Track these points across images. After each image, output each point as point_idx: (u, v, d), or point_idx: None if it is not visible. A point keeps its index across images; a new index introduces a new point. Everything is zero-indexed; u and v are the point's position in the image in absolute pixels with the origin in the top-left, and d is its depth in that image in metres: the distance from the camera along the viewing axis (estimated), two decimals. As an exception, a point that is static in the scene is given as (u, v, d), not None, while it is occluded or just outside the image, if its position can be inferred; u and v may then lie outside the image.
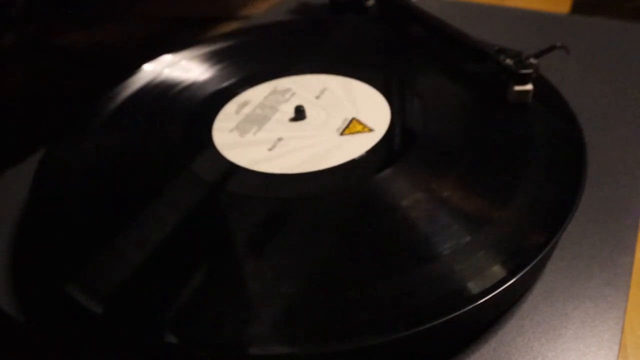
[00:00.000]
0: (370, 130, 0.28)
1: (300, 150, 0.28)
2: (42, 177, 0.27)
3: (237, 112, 0.31)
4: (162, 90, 0.34)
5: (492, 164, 0.25)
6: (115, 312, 0.20)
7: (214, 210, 0.25)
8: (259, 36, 0.40)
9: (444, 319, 0.18)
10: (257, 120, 0.31)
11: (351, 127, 0.29)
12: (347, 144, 0.28)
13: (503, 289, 0.19)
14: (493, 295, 0.19)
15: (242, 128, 0.30)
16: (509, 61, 0.30)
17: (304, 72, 0.35)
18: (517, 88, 0.29)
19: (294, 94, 0.33)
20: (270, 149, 0.28)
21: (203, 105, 0.32)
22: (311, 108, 0.31)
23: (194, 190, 0.25)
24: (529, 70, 0.29)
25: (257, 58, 0.37)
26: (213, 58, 0.37)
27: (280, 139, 0.29)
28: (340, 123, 0.29)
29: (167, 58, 0.37)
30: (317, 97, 0.32)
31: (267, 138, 0.29)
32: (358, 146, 0.27)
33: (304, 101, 0.32)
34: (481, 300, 0.19)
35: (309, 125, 0.30)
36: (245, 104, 0.32)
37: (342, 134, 0.28)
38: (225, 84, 0.34)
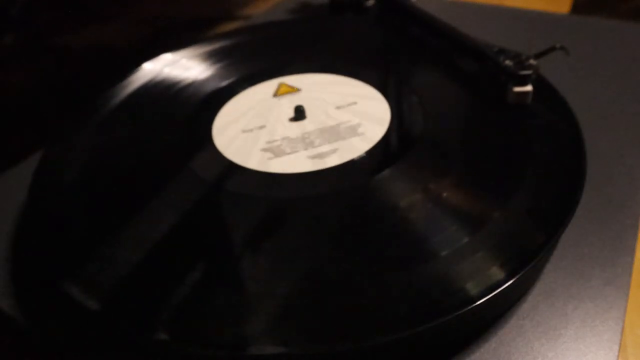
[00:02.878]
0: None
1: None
2: (41, 176, 0.27)
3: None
4: (162, 89, 0.34)
5: (491, 164, 0.25)
6: (113, 311, 0.20)
7: (214, 209, 0.25)
8: (259, 35, 0.40)
9: (444, 319, 0.18)
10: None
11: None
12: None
13: (503, 289, 0.19)
14: (493, 296, 0.19)
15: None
16: (508, 62, 0.30)
17: (304, 71, 0.35)
18: (517, 89, 0.29)
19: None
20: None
21: (203, 104, 0.32)
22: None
23: (193, 189, 0.25)
24: (529, 72, 0.29)
25: (256, 57, 0.37)
26: (213, 57, 0.37)
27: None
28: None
29: (167, 57, 0.37)
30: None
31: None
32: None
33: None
34: (481, 301, 0.19)
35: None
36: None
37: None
38: (225, 82, 0.34)
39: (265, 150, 0.28)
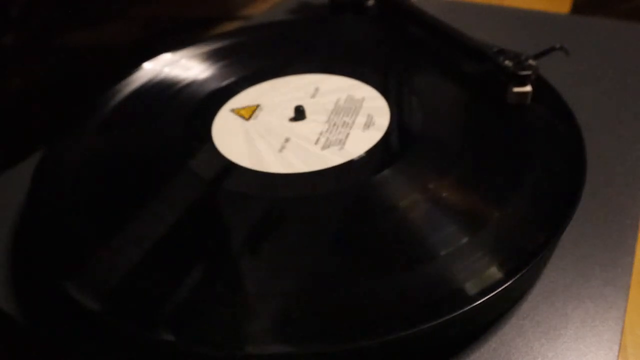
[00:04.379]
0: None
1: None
2: (41, 176, 0.27)
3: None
4: (162, 89, 0.34)
5: (491, 164, 0.25)
6: (113, 311, 0.20)
7: (214, 209, 0.25)
8: (259, 36, 0.40)
9: (444, 319, 0.18)
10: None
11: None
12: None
13: (502, 290, 0.19)
14: (492, 296, 0.19)
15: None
16: (508, 62, 0.30)
17: (304, 71, 0.35)
18: (516, 89, 0.29)
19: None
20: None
21: (203, 104, 0.32)
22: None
23: (193, 189, 0.25)
24: (528, 72, 0.29)
25: (256, 57, 0.37)
26: (213, 57, 0.37)
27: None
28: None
29: (167, 57, 0.37)
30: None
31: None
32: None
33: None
34: (481, 301, 0.19)
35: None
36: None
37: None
38: (225, 82, 0.34)
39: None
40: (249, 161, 0.27)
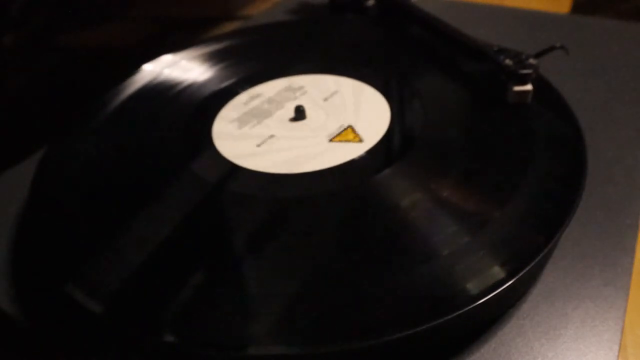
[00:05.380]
0: (361, 140, 0.28)
1: (286, 151, 0.28)
2: (42, 176, 0.27)
3: (246, 104, 0.32)
4: (162, 91, 0.34)
5: (491, 164, 0.25)
6: (114, 312, 0.20)
7: (214, 210, 0.25)
8: (259, 36, 0.40)
9: (444, 319, 0.18)
10: (258, 114, 0.31)
11: (343, 134, 0.29)
12: (333, 151, 0.27)
13: (503, 289, 0.19)
14: (493, 296, 0.19)
15: (243, 120, 0.30)
16: (508, 61, 0.30)
17: (304, 72, 0.35)
18: (517, 88, 0.29)
19: (304, 92, 0.33)
20: (258, 145, 0.28)
21: (203, 105, 0.32)
22: (310, 108, 0.31)
23: (193, 190, 0.25)
24: (529, 71, 0.29)
25: (256, 58, 0.37)
26: (213, 58, 0.37)
27: (271, 136, 0.29)
28: (335, 129, 0.29)
29: (167, 58, 0.37)
30: (310, 97, 0.32)
31: (260, 134, 0.29)
32: (343, 154, 0.27)
33: (302, 101, 0.32)
34: (481, 301, 0.19)
35: (305, 126, 0.30)
36: (255, 97, 0.32)
37: (331, 140, 0.28)
38: (225, 84, 0.34)
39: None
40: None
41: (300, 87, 0.33)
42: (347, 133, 0.29)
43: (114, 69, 0.38)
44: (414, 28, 0.39)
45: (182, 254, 0.22)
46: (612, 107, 0.33)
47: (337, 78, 0.34)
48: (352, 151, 0.27)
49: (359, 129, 0.29)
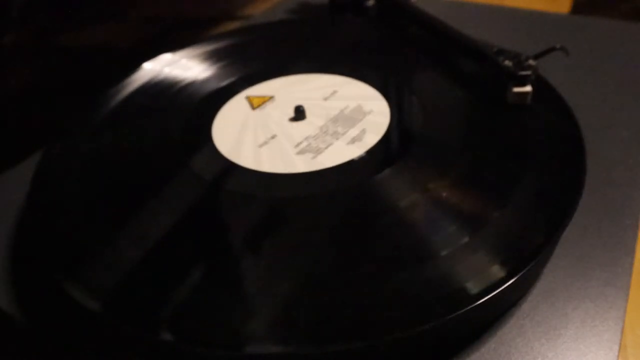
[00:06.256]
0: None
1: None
2: (41, 176, 0.27)
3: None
4: (162, 89, 0.34)
5: (491, 164, 0.25)
6: (113, 311, 0.20)
7: (214, 209, 0.25)
8: (259, 36, 0.40)
9: (444, 319, 0.18)
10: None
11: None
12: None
13: (503, 289, 0.19)
14: (493, 296, 0.19)
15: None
16: (507, 62, 0.30)
17: (304, 71, 0.35)
18: (516, 89, 0.29)
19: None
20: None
21: (203, 104, 0.32)
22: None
23: (193, 189, 0.25)
24: (528, 72, 0.29)
25: (256, 57, 0.37)
26: (213, 57, 0.37)
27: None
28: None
29: (166, 57, 0.37)
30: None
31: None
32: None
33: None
34: (481, 301, 0.19)
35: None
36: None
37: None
38: (225, 82, 0.34)
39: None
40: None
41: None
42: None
43: (114, 68, 0.38)
44: (414, 28, 0.39)
45: (181, 253, 0.22)
46: (612, 107, 0.33)
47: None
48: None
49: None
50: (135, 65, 0.36)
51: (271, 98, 0.32)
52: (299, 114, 0.30)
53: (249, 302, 0.20)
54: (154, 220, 0.24)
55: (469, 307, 0.19)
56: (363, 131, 0.29)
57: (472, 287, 0.19)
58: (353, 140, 0.28)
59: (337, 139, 0.28)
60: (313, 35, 0.40)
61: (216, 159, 0.27)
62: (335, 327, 0.19)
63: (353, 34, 0.40)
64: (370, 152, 0.27)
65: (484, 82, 0.31)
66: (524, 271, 0.20)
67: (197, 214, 0.24)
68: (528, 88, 0.29)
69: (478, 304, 0.19)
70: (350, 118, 0.29)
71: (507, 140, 0.27)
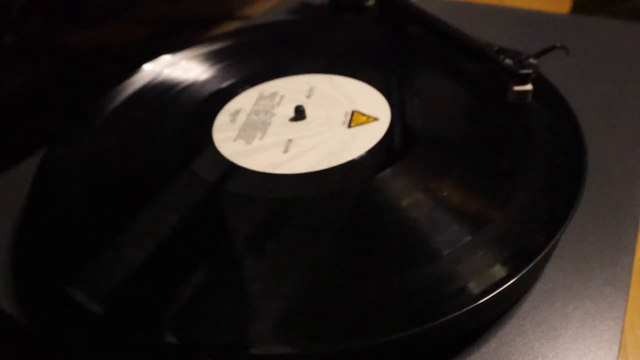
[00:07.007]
0: (375, 119, 0.28)
1: (315, 148, 0.28)
2: (41, 176, 0.27)
3: (233, 119, 0.31)
4: (162, 91, 0.34)
5: (492, 164, 0.25)
6: (115, 313, 0.20)
7: (214, 210, 0.25)
8: (259, 36, 0.40)
9: (444, 319, 0.18)
10: (258, 125, 0.30)
11: (355, 119, 0.29)
12: (358, 136, 0.28)
13: (503, 289, 0.19)
14: (493, 295, 0.19)
15: (245, 135, 0.30)
16: (508, 61, 0.30)
17: (303, 72, 0.35)
18: (517, 88, 0.29)
19: (283, 95, 0.33)
20: (284, 152, 0.28)
21: (203, 105, 0.32)
22: (310, 108, 0.31)
23: (194, 191, 0.25)
24: (529, 71, 0.29)
25: (256, 58, 0.37)
26: (213, 58, 0.37)
27: (290, 140, 0.29)
28: (342, 117, 0.30)
29: (166, 58, 0.37)
30: (308, 97, 0.32)
31: (276, 141, 0.29)
32: (370, 136, 0.28)
33: (303, 101, 0.32)
34: (481, 301, 0.19)
35: (311, 123, 0.30)
36: (238, 110, 0.32)
37: (349, 126, 0.29)
38: (225, 83, 0.34)
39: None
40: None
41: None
42: (358, 117, 0.29)
43: (114, 69, 0.38)
44: (414, 28, 0.39)
45: (183, 255, 0.22)
46: (612, 107, 0.33)
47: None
48: (374, 132, 0.28)
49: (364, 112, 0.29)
50: (135, 66, 0.36)
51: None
52: (299, 114, 0.30)
53: (251, 303, 0.20)
54: (156, 222, 0.24)
55: (469, 307, 0.19)
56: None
57: (472, 287, 0.19)
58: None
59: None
60: (313, 35, 0.40)
61: (218, 161, 0.27)
62: (336, 328, 0.19)
63: (353, 34, 0.40)
64: (371, 151, 0.27)
65: (485, 81, 0.31)
66: (525, 271, 0.20)
67: (198, 216, 0.24)
68: (529, 86, 0.29)
69: (479, 304, 0.19)
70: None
71: (507, 139, 0.27)
